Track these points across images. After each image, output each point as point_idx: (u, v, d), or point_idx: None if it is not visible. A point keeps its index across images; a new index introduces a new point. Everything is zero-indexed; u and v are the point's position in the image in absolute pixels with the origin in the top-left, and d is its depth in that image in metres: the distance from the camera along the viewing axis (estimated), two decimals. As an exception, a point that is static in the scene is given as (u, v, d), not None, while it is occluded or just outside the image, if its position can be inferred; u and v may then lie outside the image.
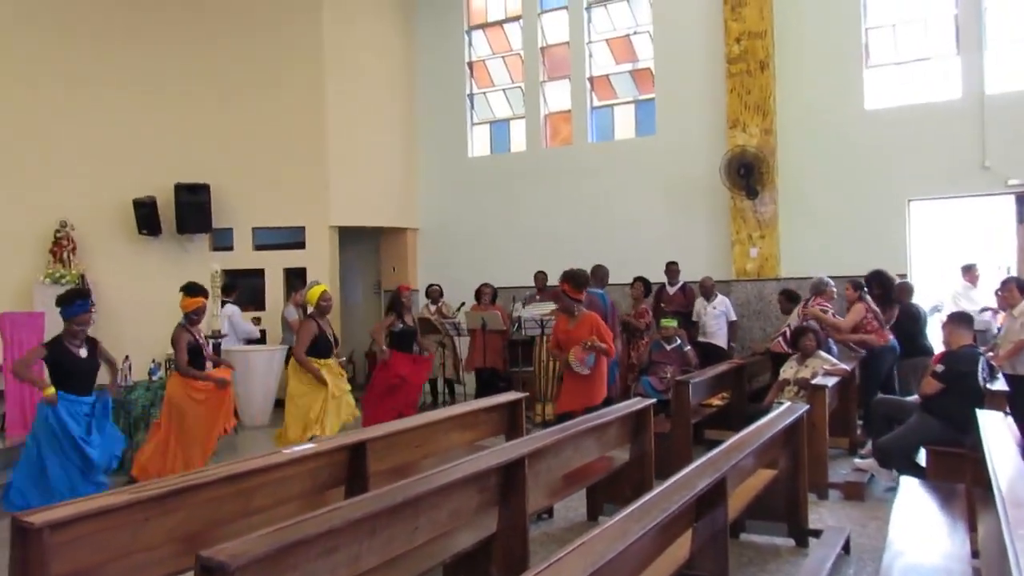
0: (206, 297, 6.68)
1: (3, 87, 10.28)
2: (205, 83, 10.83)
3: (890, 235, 8.92)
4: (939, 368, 5.43)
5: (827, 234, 9.23)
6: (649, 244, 10.03)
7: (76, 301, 5.55)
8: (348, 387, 6.87)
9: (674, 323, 8.03)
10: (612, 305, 8.07)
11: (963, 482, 4.38)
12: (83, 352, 5.58)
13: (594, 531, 2.69)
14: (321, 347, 6.66)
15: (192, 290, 6.54)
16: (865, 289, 7.22)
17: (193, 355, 6.35)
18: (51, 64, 10.47)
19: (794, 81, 9.44)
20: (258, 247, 11.17)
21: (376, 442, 4.38)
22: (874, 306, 7.13)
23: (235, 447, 7.97)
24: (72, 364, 5.49)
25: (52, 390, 5.34)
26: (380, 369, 7.57)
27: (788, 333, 7.42)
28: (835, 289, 7.68)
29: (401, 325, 7.67)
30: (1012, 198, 8.64)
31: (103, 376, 5.94)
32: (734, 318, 9.14)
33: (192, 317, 6.48)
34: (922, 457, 5.78)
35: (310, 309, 7.00)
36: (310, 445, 4.19)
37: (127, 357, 7.68)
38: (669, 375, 7.52)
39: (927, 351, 7.21)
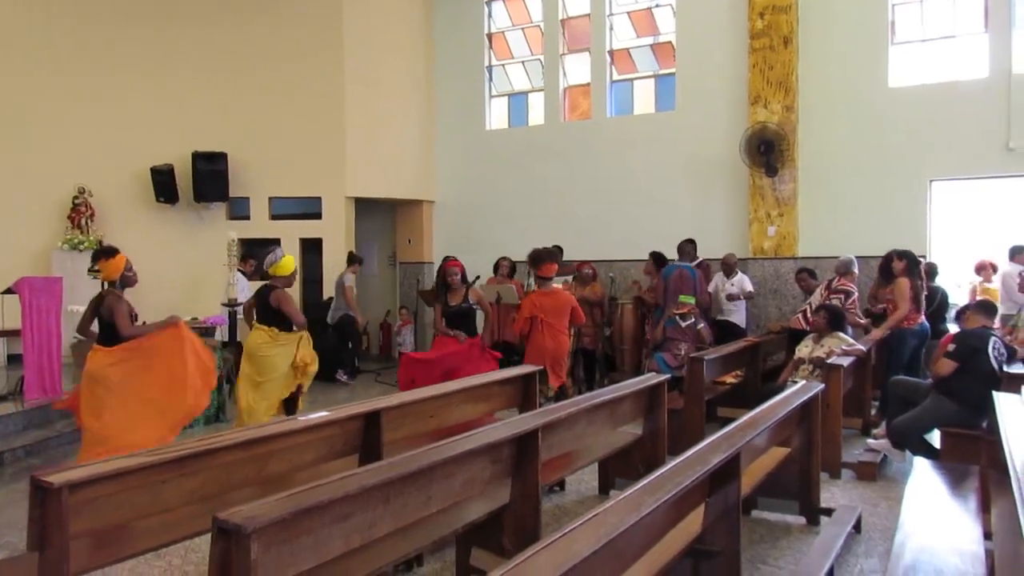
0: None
1: (23, 54, 10.32)
2: (223, 52, 10.82)
3: (910, 216, 8.83)
4: (951, 347, 5.40)
5: (846, 214, 9.15)
6: (667, 220, 9.98)
7: None
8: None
9: (691, 300, 8.00)
10: (700, 278, 8.39)
11: (977, 464, 4.37)
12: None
13: (607, 503, 2.70)
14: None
15: (111, 251, 5.70)
16: (919, 263, 7.08)
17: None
18: (70, 31, 10.50)
19: (817, 57, 9.31)
20: (274, 217, 11.21)
21: (390, 411, 4.41)
22: (919, 283, 7.01)
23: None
24: None
25: None
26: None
27: (809, 311, 7.39)
28: (857, 271, 7.66)
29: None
30: (1036, 180, 8.52)
31: None
32: (749, 288, 8.99)
33: (128, 277, 5.75)
34: (935, 439, 5.77)
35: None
36: (325, 413, 4.22)
37: (144, 323, 7.73)
38: (683, 352, 7.51)
39: (941, 334, 7.16)
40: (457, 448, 3.41)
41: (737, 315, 8.96)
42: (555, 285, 8.07)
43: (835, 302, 7.29)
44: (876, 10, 9.08)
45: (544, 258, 7.24)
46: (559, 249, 10.11)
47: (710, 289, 9.10)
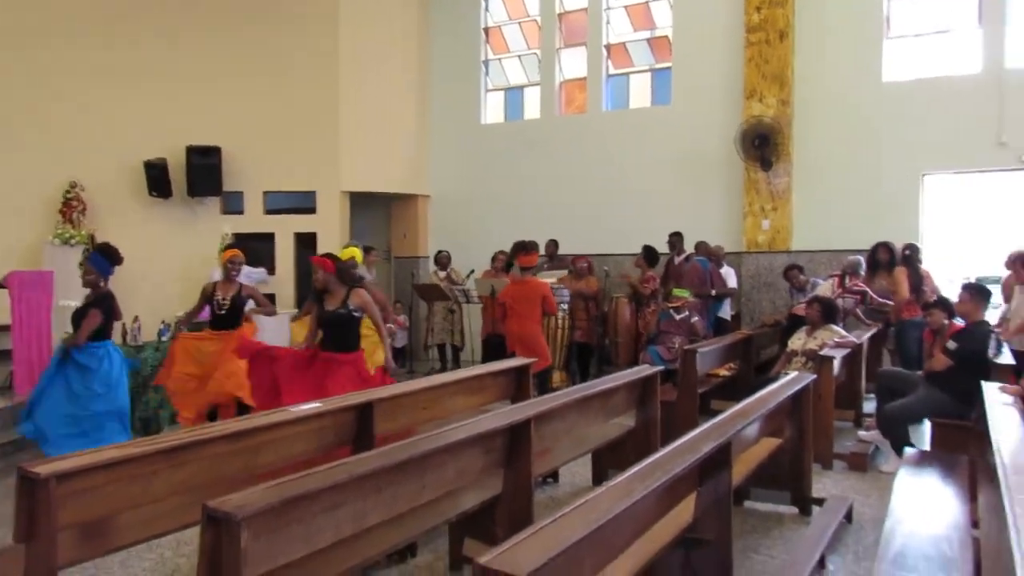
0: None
1: (14, 47, 10.26)
2: (217, 45, 10.77)
3: (903, 209, 8.83)
4: (951, 345, 5.39)
5: (840, 207, 9.15)
6: (662, 214, 9.96)
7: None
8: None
9: (686, 293, 8.01)
10: (711, 270, 8.75)
11: (966, 454, 4.39)
12: None
13: (598, 490, 2.70)
14: None
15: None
16: (908, 253, 7.45)
17: None
18: (63, 23, 10.43)
19: (813, 51, 9.30)
20: (269, 211, 11.17)
21: (383, 403, 4.41)
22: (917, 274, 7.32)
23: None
24: None
25: None
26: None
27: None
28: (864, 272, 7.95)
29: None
30: (1027, 174, 8.55)
31: None
32: (733, 284, 9.12)
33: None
34: (921, 438, 5.80)
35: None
36: (316, 404, 4.21)
37: (136, 318, 7.74)
38: (677, 345, 7.52)
39: None
40: (449, 438, 3.42)
41: (723, 309, 9.05)
42: (554, 278, 8.11)
43: (851, 302, 7.46)
44: (871, 4, 9.08)
45: (520, 249, 7.57)
46: (555, 244, 10.15)
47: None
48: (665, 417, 5.42)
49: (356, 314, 5.52)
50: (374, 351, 6.23)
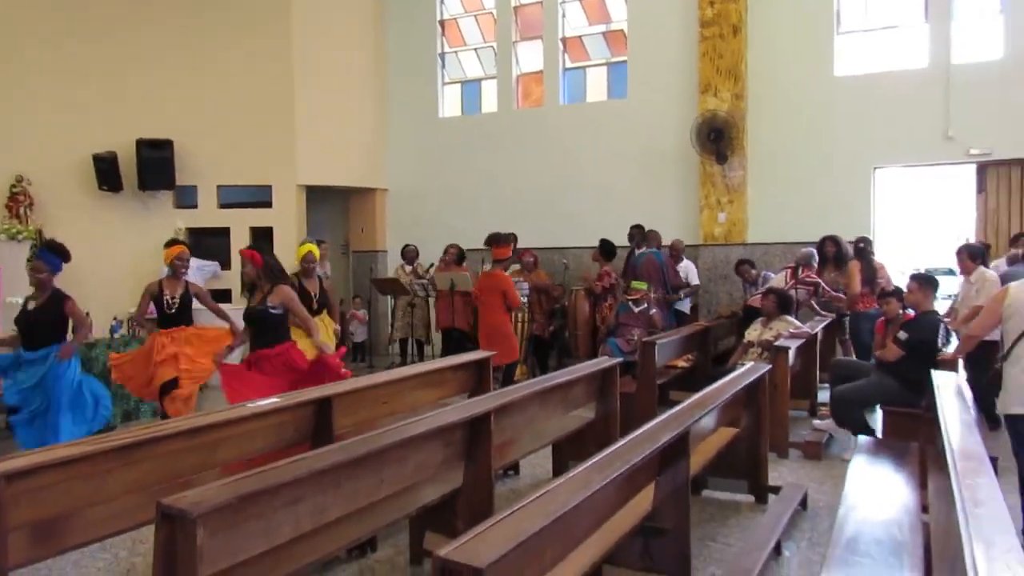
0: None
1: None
2: (168, 36, 10.53)
3: (855, 202, 9.03)
4: (902, 335, 5.53)
5: (794, 200, 9.32)
6: (620, 207, 10.05)
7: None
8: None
9: (644, 286, 8.08)
10: (665, 262, 8.90)
11: (917, 441, 4.51)
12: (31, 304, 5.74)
13: (557, 481, 2.72)
14: None
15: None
16: (862, 246, 7.71)
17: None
18: (7, 16, 10.11)
19: (766, 46, 9.44)
20: (223, 205, 10.97)
21: (342, 398, 4.37)
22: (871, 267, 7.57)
23: (199, 405, 7.88)
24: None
25: None
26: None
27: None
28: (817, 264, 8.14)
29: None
30: (973, 167, 8.81)
31: None
32: (696, 282, 9.28)
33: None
34: (876, 422, 5.94)
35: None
36: (275, 399, 4.16)
37: (87, 314, 7.52)
38: (636, 337, 7.59)
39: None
40: (409, 431, 3.40)
41: (683, 303, 9.19)
42: (498, 269, 8.10)
43: (804, 293, 7.63)
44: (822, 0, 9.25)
45: (494, 241, 7.67)
46: (514, 237, 10.17)
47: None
48: (624, 408, 5.47)
49: (273, 311, 5.30)
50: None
